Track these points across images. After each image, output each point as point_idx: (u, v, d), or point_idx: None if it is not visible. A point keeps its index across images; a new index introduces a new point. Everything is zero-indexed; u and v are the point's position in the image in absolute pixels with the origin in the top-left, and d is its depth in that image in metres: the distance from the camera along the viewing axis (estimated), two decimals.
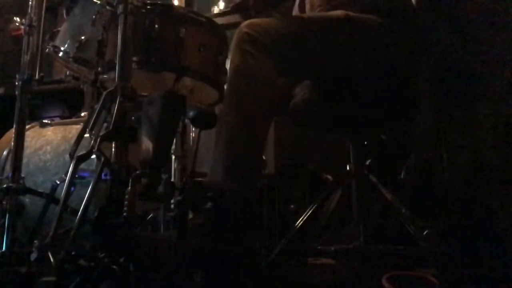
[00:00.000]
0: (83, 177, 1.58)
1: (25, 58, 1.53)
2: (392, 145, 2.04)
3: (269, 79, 1.39)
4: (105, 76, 1.61)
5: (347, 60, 1.54)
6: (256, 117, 1.35)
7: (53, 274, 1.03)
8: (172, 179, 1.63)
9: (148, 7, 1.57)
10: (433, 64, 1.61)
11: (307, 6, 1.74)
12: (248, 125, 1.33)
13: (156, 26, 1.56)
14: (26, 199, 1.57)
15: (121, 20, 1.30)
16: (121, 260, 1.00)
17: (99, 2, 1.67)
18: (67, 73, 2.35)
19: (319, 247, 1.80)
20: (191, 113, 1.49)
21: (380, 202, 1.86)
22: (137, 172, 1.13)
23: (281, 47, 1.42)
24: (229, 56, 1.55)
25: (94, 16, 1.68)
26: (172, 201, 1.23)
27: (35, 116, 2.47)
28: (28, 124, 1.86)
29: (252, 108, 1.34)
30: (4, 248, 1.34)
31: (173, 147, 1.77)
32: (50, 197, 1.47)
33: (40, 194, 1.52)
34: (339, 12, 1.55)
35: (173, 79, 1.63)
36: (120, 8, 1.32)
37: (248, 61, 1.37)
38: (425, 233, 1.49)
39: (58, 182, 1.48)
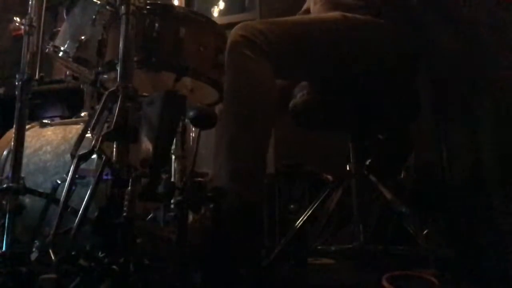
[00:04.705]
0: (83, 177, 1.58)
1: (25, 58, 1.53)
2: (392, 145, 2.04)
3: (268, 81, 1.39)
4: (105, 76, 1.62)
5: (346, 61, 1.53)
6: (258, 121, 1.35)
7: (53, 273, 1.03)
8: (172, 179, 1.63)
9: (149, 7, 1.57)
10: (433, 64, 1.61)
11: (311, 5, 1.75)
12: (250, 129, 1.33)
13: (156, 26, 1.57)
14: (26, 199, 1.57)
15: (123, 21, 1.30)
16: (121, 260, 1.00)
17: (99, 2, 1.67)
18: (67, 73, 2.35)
19: (319, 247, 1.80)
20: (191, 113, 1.49)
21: (380, 202, 1.86)
22: (137, 172, 1.13)
23: (279, 50, 1.41)
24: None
25: (94, 16, 1.69)
26: (172, 201, 1.23)
27: (35, 116, 2.47)
28: (28, 124, 1.86)
29: (253, 112, 1.34)
30: (4, 248, 1.34)
31: (173, 147, 1.77)
32: (51, 197, 1.47)
33: (40, 194, 1.52)
34: (336, 13, 1.55)
35: (173, 79, 1.63)
36: (122, 9, 1.32)
37: (247, 65, 1.36)
38: (425, 233, 1.49)
39: (59, 182, 1.48)
